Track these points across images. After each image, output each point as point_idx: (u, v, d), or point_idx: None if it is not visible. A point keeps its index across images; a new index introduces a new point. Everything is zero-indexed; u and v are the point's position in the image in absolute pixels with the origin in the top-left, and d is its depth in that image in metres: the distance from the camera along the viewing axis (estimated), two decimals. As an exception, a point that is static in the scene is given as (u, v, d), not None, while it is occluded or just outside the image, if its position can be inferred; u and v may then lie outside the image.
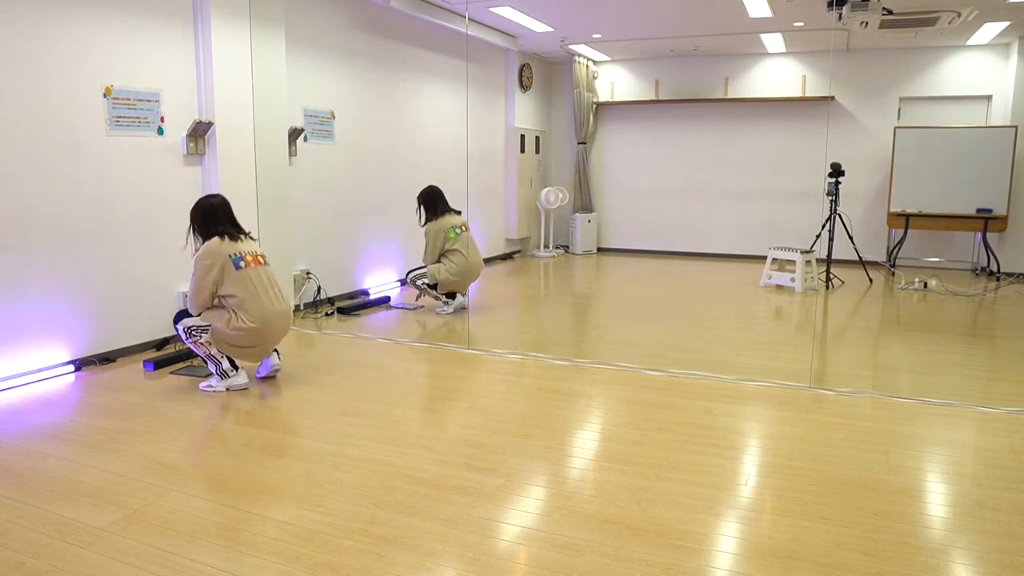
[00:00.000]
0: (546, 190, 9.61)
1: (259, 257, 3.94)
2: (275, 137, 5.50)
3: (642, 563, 2.21)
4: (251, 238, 3.99)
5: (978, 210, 7.93)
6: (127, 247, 4.53)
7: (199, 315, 3.85)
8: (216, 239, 3.84)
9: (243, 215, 5.21)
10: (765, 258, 7.85)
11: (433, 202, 5.98)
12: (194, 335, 3.82)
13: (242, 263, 3.82)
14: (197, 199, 3.98)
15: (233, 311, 3.80)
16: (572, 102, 9.97)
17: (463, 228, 5.96)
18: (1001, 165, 7.82)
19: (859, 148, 8.87)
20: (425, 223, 5.98)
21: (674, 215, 9.87)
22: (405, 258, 7.26)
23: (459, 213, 6.06)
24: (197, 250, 3.88)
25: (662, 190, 9.90)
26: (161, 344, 4.75)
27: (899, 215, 8.24)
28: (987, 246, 7.97)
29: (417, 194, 6.07)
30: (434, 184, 6.14)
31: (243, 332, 3.79)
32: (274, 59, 5.42)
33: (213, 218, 3.88)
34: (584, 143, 10.00)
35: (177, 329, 3.87)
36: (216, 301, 3.87)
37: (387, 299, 6.46)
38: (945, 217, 8.07)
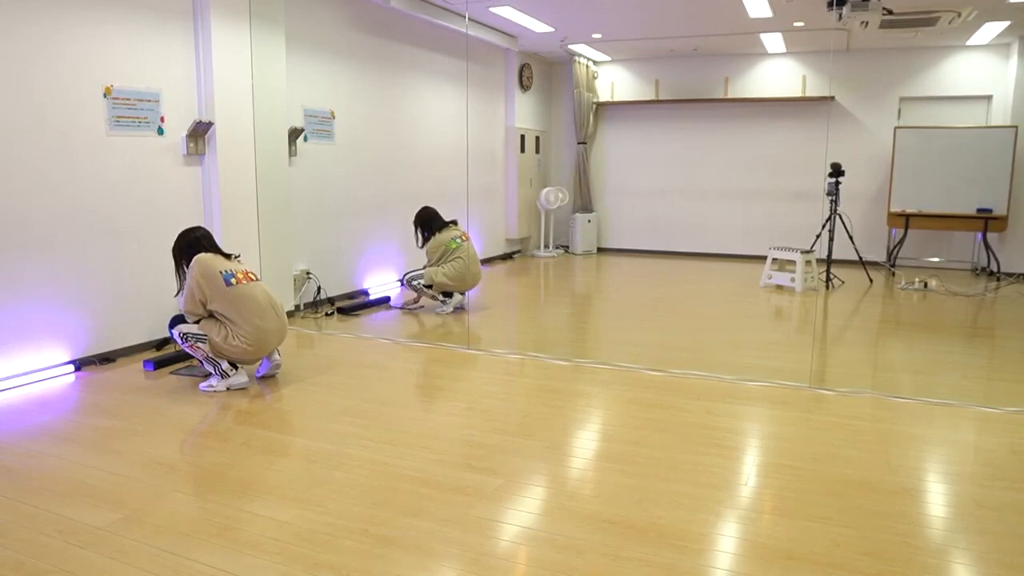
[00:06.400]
0: (546, 190, 9.61)
1: (250, 275, 3.92)
2: (275, 137, 5.50)
3: (642, 563, 2.21)
4: (239, 261, 3.99)
5: (978, 210, 7.92)
6: (127, 247, 4.53)
7: (196, 322, 3.85)
8: (207, 253, 3.85)
9: (243, 215, 5.22)
10: (765, 258, 7.85)
11: (430, 222, 6.05)
12: (190, 340, 3.82)
13: (233, 280, 3.80)
14: (177, 235, 3.98)
15: (229, 329, 3.80)
16: (572, 102, 9.97)
17: (463, 238, 6.00)
18: (1001, 165, 7.82)
19: (859, 148, 8.87)
20: (423, 244, 6.03)
21: (674, 215, 9.87)
22: (405, 258, 7.26)
23: (456, 223, 6.09)
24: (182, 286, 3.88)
25: (662, 190, 9.90)
26: (161, 344, 4.75)
27: (899, 215, 8.24)
28: (987, 246, 7.96)
29: (413, 218, 6.12)
30: (427, 205, 6.21)
31: (240, 349, 3.81)
32: (274, 59, 5.42)
33: (197, 249, 3.88)
34: (584, 143, 10.00)
35: (172, 334, 3.87)
36: (211, 313, 3.86)
37: (387, 299, 6.46)
38: (945, 217, 8.07)
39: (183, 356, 4.45)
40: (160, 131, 4.67)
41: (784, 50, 8.92)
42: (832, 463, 2.97)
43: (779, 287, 7.24)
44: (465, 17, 7.43)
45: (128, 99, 4.45)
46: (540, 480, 2.81)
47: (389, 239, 7.07)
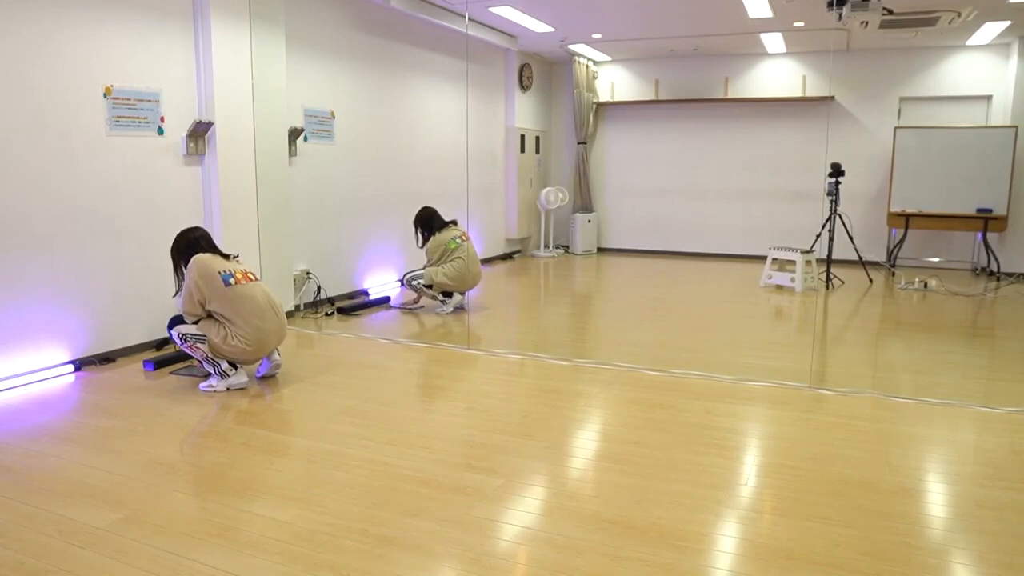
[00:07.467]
0: (546, 190, 9.61)
1: (249, 275, 3.91)
2: (275, 137, 5.50)
3: (642, 563, 2.21)
4: (238, 261, 3.98)
5: (978, 210, 7.92)
6: (127, 247, 4.53)
7: (194, 323, 3.84)
8: (205, 254, 3.84)
9: (243, 215, 5.22)
10: (765, 258, 7.85)
11: (430, 222, 6.07)
12: (189, 341, 3.82)
13: (232, 280, 3.79)
14: (176, 235, 3.97)
15: (228, 329, 3.80)
16: (572, 102, 9.97)
17: (463, 238, 6.00)
18: (1001, 165, 7.82)
19: (859, 148, 8.87)
20: (423, 244, 6.04)
21: (674, 215, 9.87)
22: (405, 258, 7.26)
23: (456, 223, 6.09)
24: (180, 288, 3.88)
25: (662, 190, 9.90)
26: (161, 344, 4.75)
27: (899, 215, 8.24)
28: (987, 246, 7.96)
29: (413, 218, 6.12)
30: (427, 205, 6.22)
31: (239, 349, 3.81)
32: (274, 59, 5.42)
33: (196, 249, 3.87)
34: (584, 143, 10.00)
35: (171, 334, 3.87)
36: (209, 314, 3.86)
37: (387, 299, 6.46)
38: (945, 217, 8.07)
39: (183, 356, 4.45)
40: (160, 131, 4.67)
41: (784, 50, 8.92)
42: (832, 463, 2.97)
43: (779, 287, 7.24)
44: (465, 17, 7.43)
45: (128, 99, 4.45)
46: (540, 480, 2.81)
47: (389, 239, 7.07)
